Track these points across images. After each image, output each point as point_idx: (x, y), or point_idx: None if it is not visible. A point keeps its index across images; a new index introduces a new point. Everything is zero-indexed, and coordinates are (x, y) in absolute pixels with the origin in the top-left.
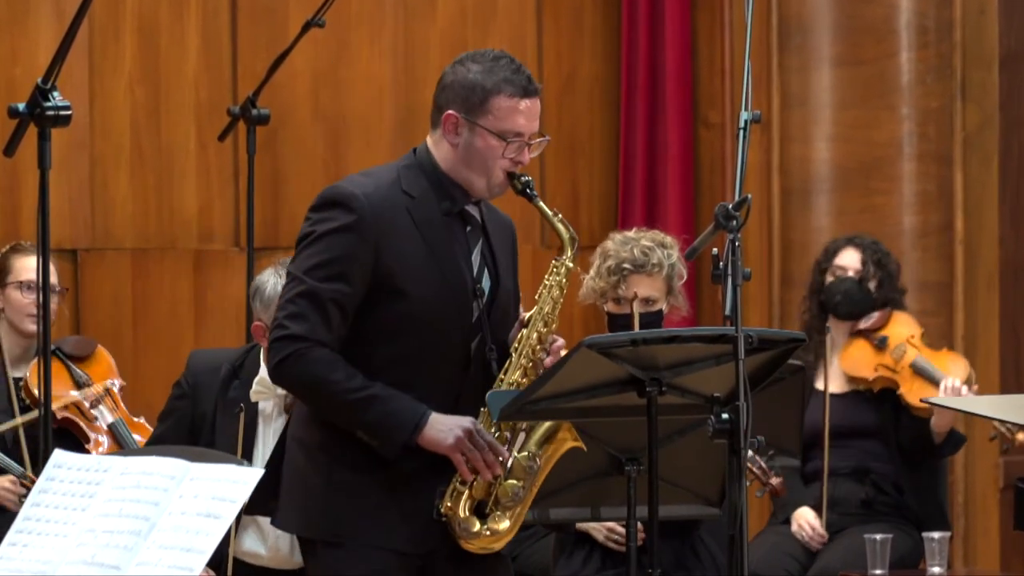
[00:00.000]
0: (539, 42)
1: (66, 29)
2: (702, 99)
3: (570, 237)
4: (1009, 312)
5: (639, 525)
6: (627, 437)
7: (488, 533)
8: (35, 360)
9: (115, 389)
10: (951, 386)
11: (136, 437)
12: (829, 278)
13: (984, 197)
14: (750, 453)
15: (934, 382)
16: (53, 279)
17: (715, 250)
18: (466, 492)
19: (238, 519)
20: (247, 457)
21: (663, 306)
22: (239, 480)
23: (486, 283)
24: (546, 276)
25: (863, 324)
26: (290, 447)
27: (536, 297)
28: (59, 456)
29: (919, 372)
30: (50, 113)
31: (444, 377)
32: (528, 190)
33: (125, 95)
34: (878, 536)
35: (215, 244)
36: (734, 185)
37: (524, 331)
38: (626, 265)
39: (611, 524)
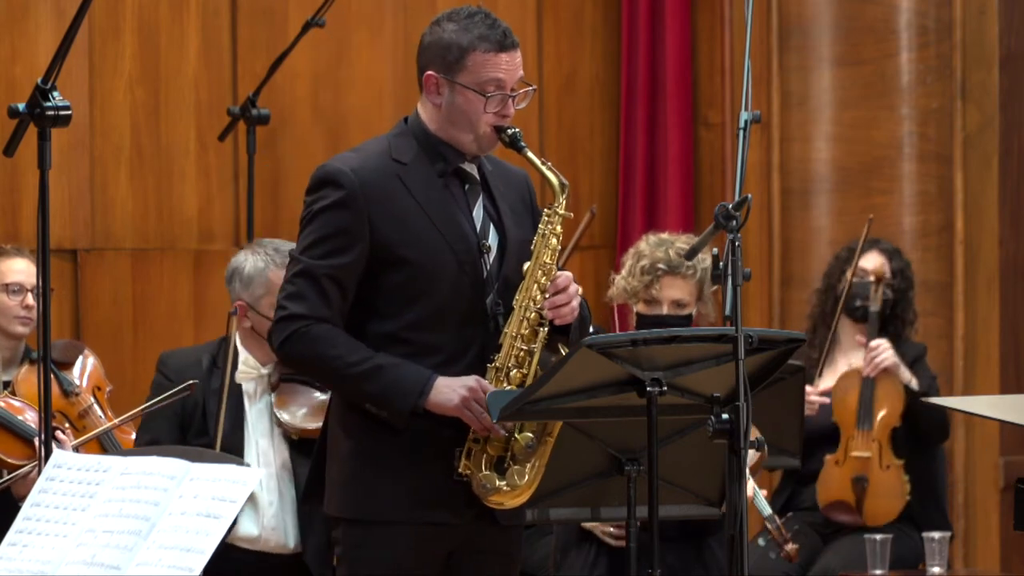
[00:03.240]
0: (539, 42)
1: (66, 29)
2: (702, 99)
3: (560, 184)
4: (1009, 312)
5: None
6: (627, 437)
7: (507, 488)
8: (24, 365)
9: (104, 396)
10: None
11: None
12: (851, 278)
13: (984, 197)
14: (769, 511)
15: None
16: (35, 280)
17: (715, 250)
18: (482, 449)
19: None
20: (238, 437)
21: (693, 311)
22: (239, 480)
23: (493, 238)
24: (540, 225)
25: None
26: (328, 432)
27: (531, 247)
28: (59, 456)
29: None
30: (50, 113)
31: (468, 336)
32: (516, 141)
33: (125, 95)
34: (878, 536)
35: (215, 244)
36: (734, 185)
37: (523, 283)
38: (660, 266)
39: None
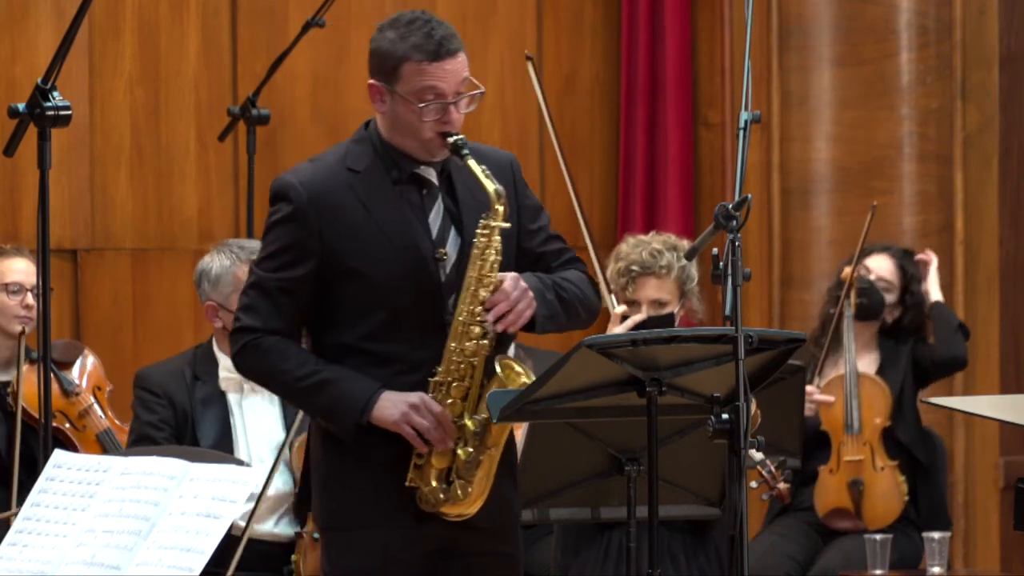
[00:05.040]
0: (539, 42)
1: (66, 29)
2: (702, 99)
3: (495, 192)
4: (1009, 312)
5: None
6: (627, 437)
7: (451, 501)
8: (23, 365)
9: (104, 395)
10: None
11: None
12: (852, 276)
13: (984, 197)
14: (761, 456)
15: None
16: (35, 280)
17: (715, 250)
18: (427, 463)
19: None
20: (226, 445)
21: (675, 309)
22: (239, 480)
23: (453, 243)
24: (475, 238)
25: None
26: (309, 443)
27: (468, 260)
28: (59, 456)
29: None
30: (50, 113)
31: (426, 344)
32: (458, 149)
33: (125, 95)
34: (878, 536)
35: (215, 244)
36: (734, 185)
37: (461, 295)
38: (634, 267)
39: None
